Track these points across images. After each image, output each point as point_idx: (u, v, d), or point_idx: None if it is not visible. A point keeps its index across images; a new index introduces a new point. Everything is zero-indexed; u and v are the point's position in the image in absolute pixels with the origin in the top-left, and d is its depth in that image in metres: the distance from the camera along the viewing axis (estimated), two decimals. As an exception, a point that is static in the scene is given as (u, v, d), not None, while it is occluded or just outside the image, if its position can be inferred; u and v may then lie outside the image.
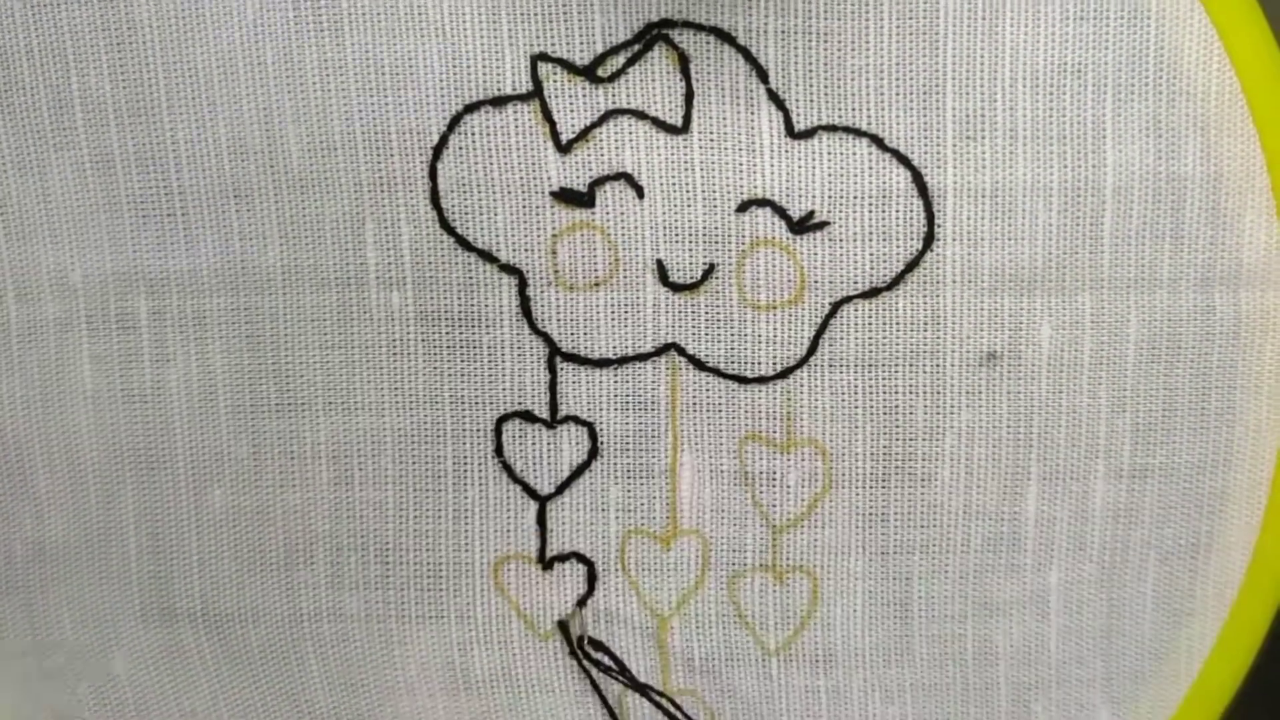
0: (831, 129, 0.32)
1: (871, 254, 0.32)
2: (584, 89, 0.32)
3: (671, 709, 0.35)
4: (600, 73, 0.32)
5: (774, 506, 0.34)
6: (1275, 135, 0.32)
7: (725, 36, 0.32)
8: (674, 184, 0.32)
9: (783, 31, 0.31)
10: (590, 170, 0.32)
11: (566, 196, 0.32)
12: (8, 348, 0.33)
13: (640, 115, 0.32)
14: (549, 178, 0.32)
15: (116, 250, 0.33)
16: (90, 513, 0.34)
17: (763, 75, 0.32)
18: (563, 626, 0.35)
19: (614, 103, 0.32)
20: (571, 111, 0.32)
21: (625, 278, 0.33)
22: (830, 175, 0.32)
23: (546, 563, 0.35)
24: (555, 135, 0.32)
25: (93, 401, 0.34)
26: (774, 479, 0.34)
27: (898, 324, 0.33)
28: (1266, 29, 0.32)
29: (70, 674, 0.36)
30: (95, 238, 0.33)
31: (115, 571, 0.35)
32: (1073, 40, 0.32)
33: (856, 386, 0.33)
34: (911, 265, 0.33)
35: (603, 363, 0.33)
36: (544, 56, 0.32)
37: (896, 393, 0.33)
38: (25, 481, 0.34)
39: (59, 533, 0.35)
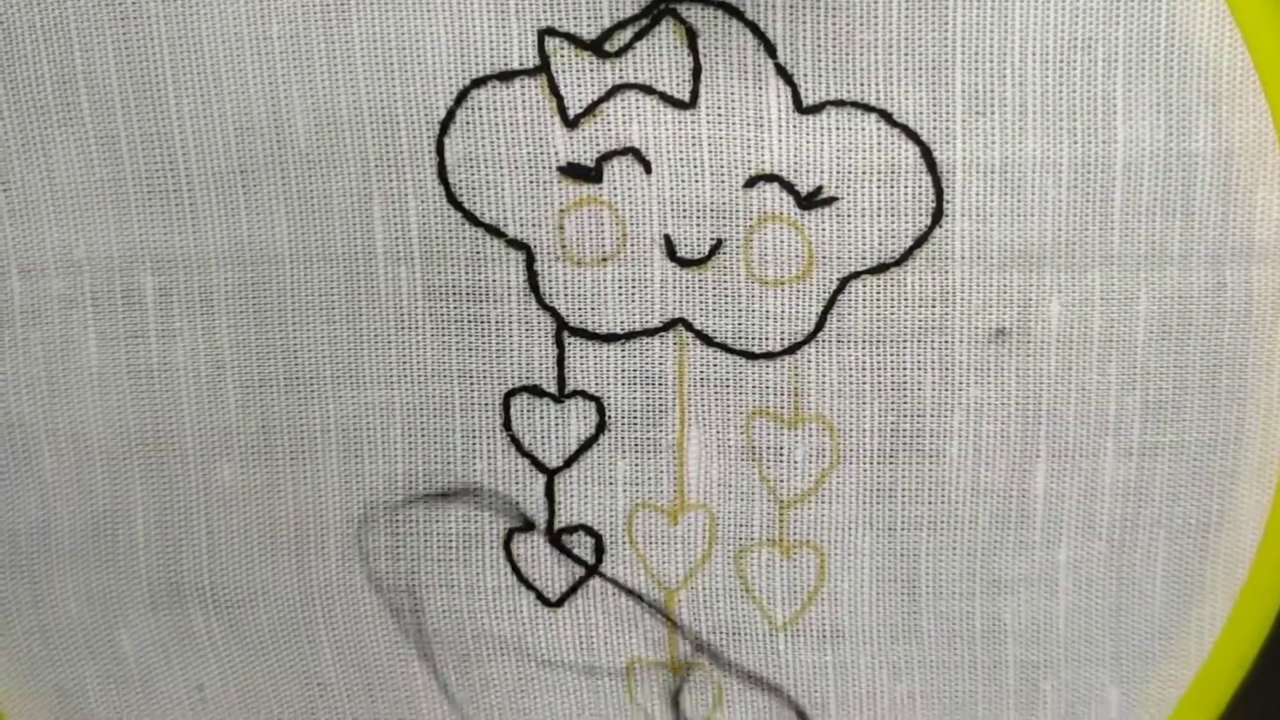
0: (840, 104, 0.32)
1: (880, 230, 0.32)
2: (591, 64, 0.32)
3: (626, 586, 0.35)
4: (607, 47, 0.32)
5: (781, 482, 0.34)
6: (1287, 110, 0.32)
7: (733, 11, 0.31)
8: (681, 159, 0.32)
9: (791, 6, 0.31)
10: (597, 145, 0.32)
11: (574, 171, 0.32)
12: (12, 326, 0.34)
13: (647, 90, 0.32)
14: (556, 153, 0.32)
15: (122, 228, 0.33)
16: (96, 492, 0.35)
17: (771, 50, 0.32)
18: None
19: (621, 77, 0.32)
20: (579, 86, 0.32)
21: (633, 253, 0.33)
22: (838, 150, 0.32)
23: (554, 535, 0.35)
24: (562, 110, 0.32)
25: (98, 380, 0.34)
26: (781, 454, 0.34)
27: (906, 300, 0.33)
28: (1278, 3, 0.32)
29: (76, 655, 0.36)
30: (100, 215, 0.33)
31: (122, 551, 0.35)
32: (1083, 14, 0.31)
33: (864, 362, 0.33)
34: (920, 241, 0.32)
35: (610, 338, 0.33)
36: (551, 31, 0.32)
37: (905, 369, 0.33)
38: (30, 461, 0.34)
39: (65, 512, 0.35)
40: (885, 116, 0.32)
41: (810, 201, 0.32)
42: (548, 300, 0.33)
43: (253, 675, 0.36)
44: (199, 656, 0.36)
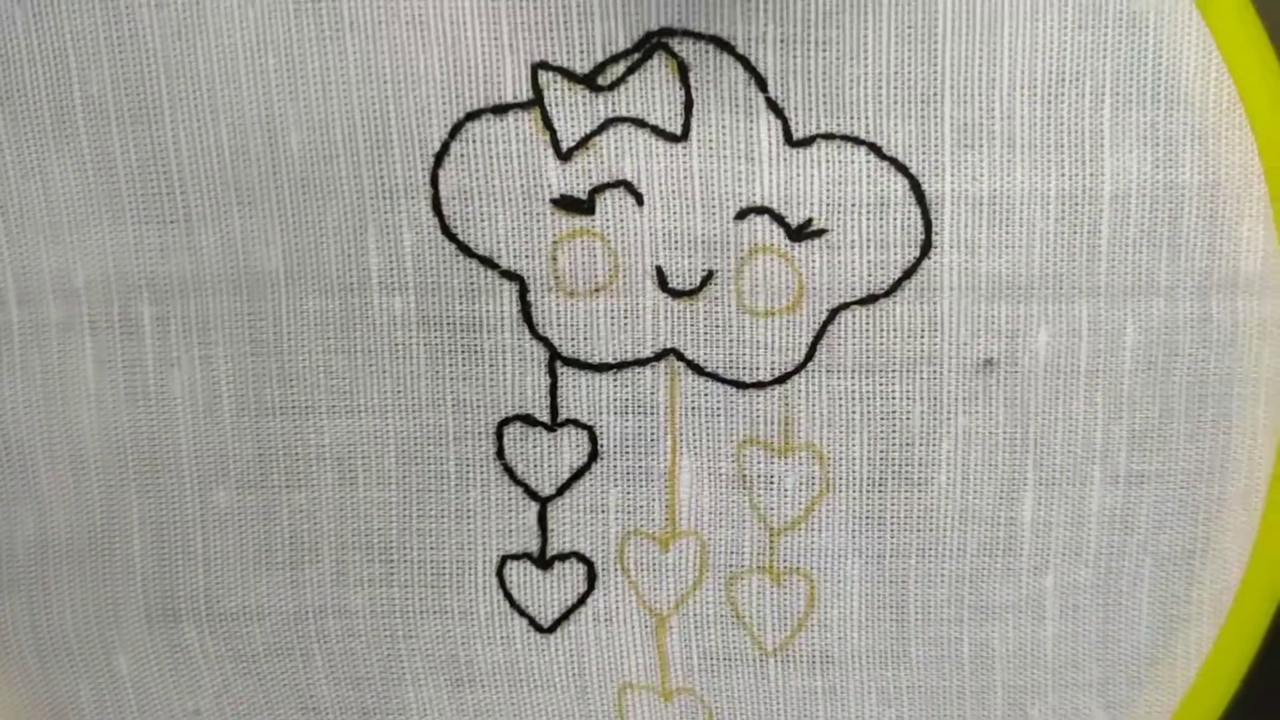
0: (830, 137, 0.32)
1: (869, 261, 0.33)
2: (584, 97, 0.32)
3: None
4: (600, 81, 0.32)
5: (771, 509, 0.34)
6: (1273, 144, 0.32)
7: (724, 45, 0.32)
8: (673, 191, 0.32)
9: (782, 40, 0.32)
10: (590, 178, 0.32)
11: (567, 204, 0.32)
12: (10, 350, 0.34)
13: (640, 123, 0.32)
14: (549, 185, 0.32)
15: (119, 253, 0.33)
16: (94, 513, 0.35)
17: (761, 83, 0.32)
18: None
19: (614, 111, 0.32)
20: (572, 119, 0.32)
21: (625, 284, 0.33)
22: (828, 183, 0.32)
23: (547, 562, 0.35)
24: (556, 143, 0.32)
25: (96, 403, 0.34)
26: (772, 482, 0.34)
27: (895, 330, 0.33)
28: (1264, 38, 0.32)
29: (72, 673, 0.36)
30: (97, 241, 0.33)
31: (119, 571, 0.35)
32: (1071, 48, 0.32)
33: (854, 392, 0.33)
34: (909, 272, 0.33)
35: (603, 367, 0.33)
36: (544, 65, 0.32)
37: (894, 398, 0.33)
38: (28, 481, 0.35)
39: (62, 532, 0.35)
40: (875, 149, 0.32)
41: (800, 234, 0.32)
42: (541, 330, 0.33)
43: (247, 695, 0.36)
44: (194, 676, 0.36)
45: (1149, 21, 0.32)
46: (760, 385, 0.33)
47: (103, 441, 0.34)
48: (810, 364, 0.33)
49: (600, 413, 0.34)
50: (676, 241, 0.33)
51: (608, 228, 0.32)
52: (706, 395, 0.34)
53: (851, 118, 0.32)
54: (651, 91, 0.32)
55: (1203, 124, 0.32)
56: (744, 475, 0.34)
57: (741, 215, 0.32)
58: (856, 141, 0.32)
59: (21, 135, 0.33)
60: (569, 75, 0.32)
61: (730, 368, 0.33)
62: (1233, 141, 0.32)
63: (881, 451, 0.34)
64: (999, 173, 0.32)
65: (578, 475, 0.34)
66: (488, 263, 0.33)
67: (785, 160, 0.32)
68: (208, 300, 0.33)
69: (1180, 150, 0.32)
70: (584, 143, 0.32)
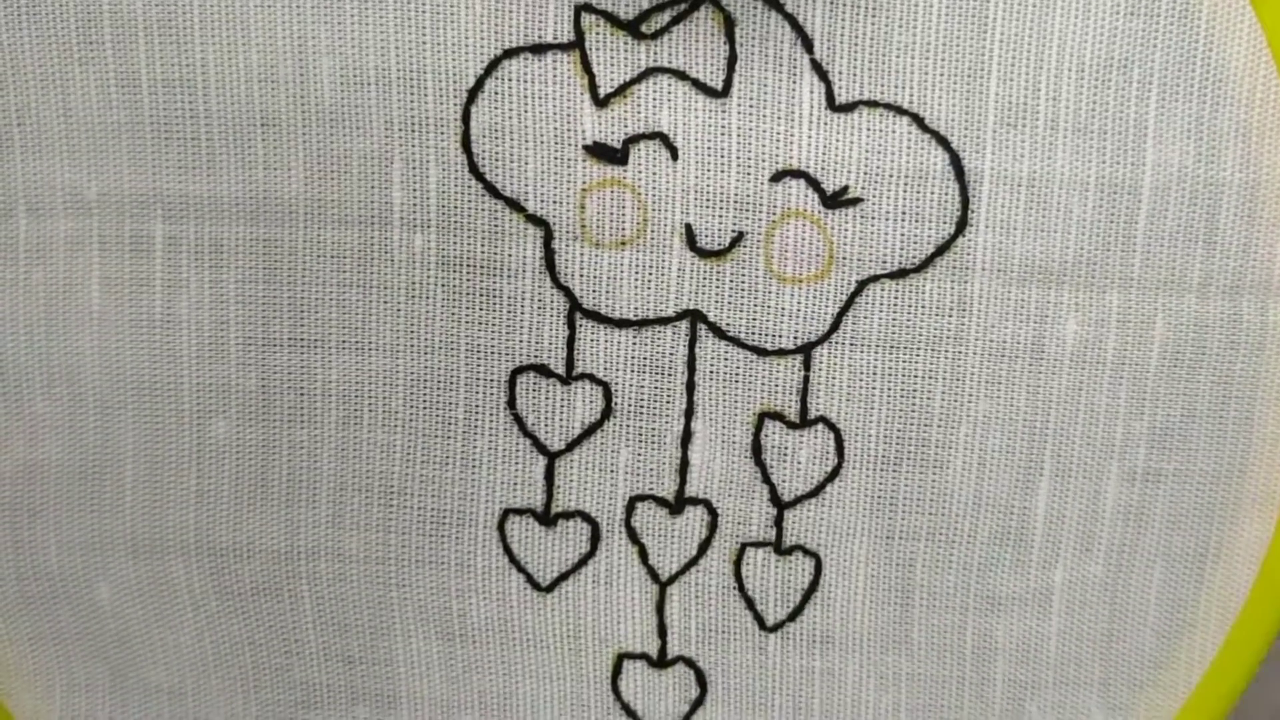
0: (873, 104, 0.32)
1: (903, 234, 0.32)
2: (626, 44, 0.31)
3: None
4: (644, 29, 0.31)
5: (783, 482, 0.34)
6: (1318, 147, 0.32)
7: (772, 2, 0.31)
8: (709, 148, 0.32)
9: (831, 1, 0.31)
10: (626, 127, 0.32)
11: (599, 151, 0.32)
12: (15, 264, 0.33)
13: (681, 75, 0.31)
14: (583, 131, 0.32)
15: (136, 171, 0.32)
16: (87, 438, 0.34)
17: (808, 44, 0.31)
18: None
19: (655, 60, 0.31)
20: (612, 65, 0.31)
21: (652, 239, 0.32)
22: (868, 151, 0.32)
23: (550, 519, 0.34)
24: (593, 88, 0.31)
25: (99, 324, 0.33)
26: (785, 454, 0.34)
27: (923, 307, 0.33)
28: (1318, 39, 0.32)
29: (53, 602, 0.35)
30: (114, 157, 0.32)
31: (108, 499, 0.34)
32: (1121, 35, 0.31)
33: (876, 367, 0.33)
34: (942, 249, 0.32)
35: (623, 323, 0.33)
36: (588, 7, 0.31)
37: (916, 376, 0.33)
38: (21, 402, 0.34)
39: (52, 456, 0.34)
40: (917, 121, 0.32)
41: (835, 201, 0.32)
42: (563, 280, 0.32)
43: (230, 632, 0.35)
44: (177, 611, 0.35)
45: (1201, 13, 0.31)
46: (781, 353, 0.33)
47: (101, 364, 0.33)
48: (834, 335, 0.33)
49: (617, 369, 0.33)
50: (709, 199, 0.32)
51: (639, 179, 0.32)
52: (726, 360, 0.33)
53: (896, 86, 0.31)
54: (695, 43, 0.31)
55: (1248, 121, 0.32)
56: (758, 445, 0.33)
57: (777, 177, 0.32)
58: (899, 111, 0.31)
59: (45, 43, 0.32)
60: (613, 20, 0.31)
61: (752, 333, 0.33)
62: (1276, 142, 0.32)
63: (899, 430, 0.33)
64: (1040, 155, 0.32)
65: (589, 432, 0.34)
66: (514, 205, 0.32)
67: (825, 124, 0.32)
68: (222, 223, 0.32)
69: (1223, 146, 0.32)
70: (622, 90, 0.31)
